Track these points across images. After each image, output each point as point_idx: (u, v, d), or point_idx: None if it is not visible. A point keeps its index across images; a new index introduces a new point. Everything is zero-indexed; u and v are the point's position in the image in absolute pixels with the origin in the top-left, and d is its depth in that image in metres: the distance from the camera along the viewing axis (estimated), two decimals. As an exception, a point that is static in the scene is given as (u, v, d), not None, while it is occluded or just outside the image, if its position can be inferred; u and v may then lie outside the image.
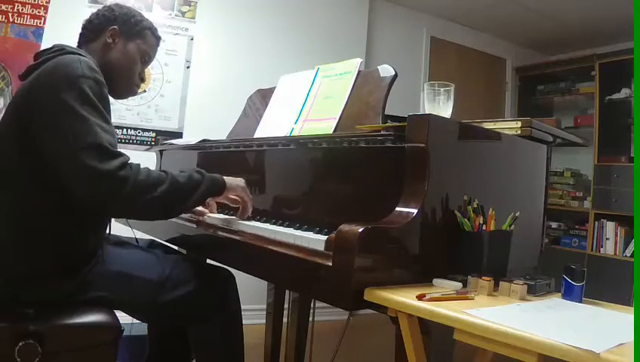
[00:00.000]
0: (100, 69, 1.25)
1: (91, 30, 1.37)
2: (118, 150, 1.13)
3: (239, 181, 1.39)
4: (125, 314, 1.33)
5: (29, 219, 1.17)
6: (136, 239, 1.51)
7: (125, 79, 1.39)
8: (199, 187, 1.26)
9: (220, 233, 1.36)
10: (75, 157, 1.09)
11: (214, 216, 1.49)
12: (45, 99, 1.13)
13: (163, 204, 1.20)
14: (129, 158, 1.14)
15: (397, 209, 1.02)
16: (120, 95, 1.43)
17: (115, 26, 1.36)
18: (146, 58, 1.43)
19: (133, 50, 1.38)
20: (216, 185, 1.32)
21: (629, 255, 3.50)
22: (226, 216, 1.47)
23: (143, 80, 1.45)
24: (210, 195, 1.32)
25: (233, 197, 1.39)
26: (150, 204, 1.16)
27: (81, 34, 1.39)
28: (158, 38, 1.46)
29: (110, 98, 1.43)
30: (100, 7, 1.45)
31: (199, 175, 1.28)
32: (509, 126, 1.28)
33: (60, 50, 1.24)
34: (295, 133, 1.54)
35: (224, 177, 1.35)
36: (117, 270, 1.29)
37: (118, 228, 1.42)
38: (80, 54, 1.22)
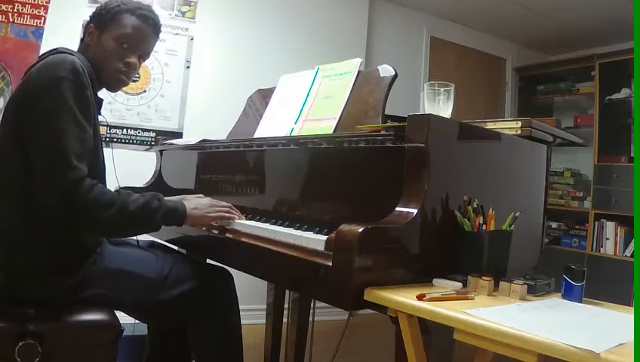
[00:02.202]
0: (88, 69, 1.26)
1: (83, 34, 1.39)
2: (77, 164, 1.12)
3: (203, 211, 1.34)
4: (125, 314, 1.33)
5: (27, 215, 1.18)
6: (137, 240, 1.51)
7: (106, 71, 1.34)
8: (153, 216, 1.23)
9: (220, 233, 1.36)
10: (38, 164, 1.13)
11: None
12: (29, 101, 1.15)
13: (108, 227, 1.20)
14: (85, 175, 1.13)
15: (397, 209, 1.02)
16: (110, 87, 1.41)
17: (92, 24, 1.36)
18: (127, 41, 1.34)
19: (107, 40, 1.33)
20: (175, 216, 1.29)
21: (629, 255, 3.50)
22: None
23: (130, 65, 1.36)
24: (167, 224, 1.29)
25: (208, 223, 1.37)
26: (94, 224, 1.18)
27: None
28: (141, 17, 1.36)
29: (115, 101, 1.42)
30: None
31: (157, 202, 1.24)
32: (509, 126, 1.28)
33: (53, 50, 1.25)
34: (295, 133, 1.54)
35: (187, 205, 1.32)
36: (116, 268, 1.29)
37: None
38: (71, 54, 1.23)
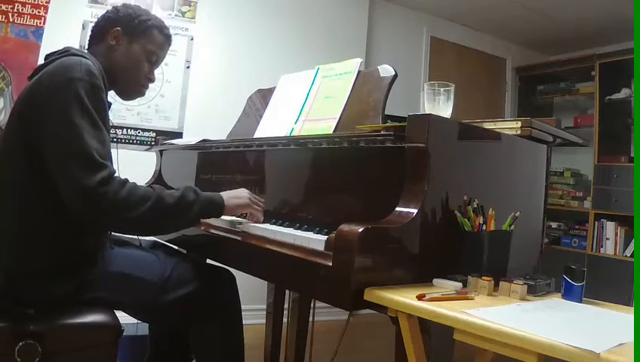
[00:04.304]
0: (104, 72, 1.26)
1: (97, 32, 1.38)
2: (104, 162, 1.10)
3: (241, 198, 1.32)
4: (125, 314, 1.33)
5: (30, 218, 1.17)
6: (139, 241, 1.51)
7: (130, 81, 1.38)
8: (191, 208, 1.20)
9: (220, 233, 1.36)
10: (62, 164, 1.10)
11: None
12: (43, 102, 1.14)
13: (144, 223, 1.16)
14: (114, 172, 1.11)
15: (397, 209, 1.02)
16: (126, 96, 1.43)
17: (118, 27, 1.35)
18: (153, 58, 1.40)
19: (137, 51, 1.36)
20: (213, 207, 1.26)
21: (629, 255, 3.50)
22: (237, 218, 1.46)
23: (151, 80, 1.42)
24: (205, 217, 1.27)
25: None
26: (130, 221, 1.14)
27: (89, 36, 1.40)
28: (167, 37, 1.43)
29: (118, 99, 1.43)
30: (101, 7, 1.45)
31: (194, 195, 1.22)
32: (509, 126, 1.28)
33: (65, 51, 1.24)
34: (295, 133, 1.54)
35: (224, 195, 1.29)
36: (118, 271, 1.29)
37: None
38: (83, 56, 1.21)
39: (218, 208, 1.27)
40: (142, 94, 1.45)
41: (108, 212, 1.10)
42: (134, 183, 1.15)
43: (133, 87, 1.40)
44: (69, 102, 1.11)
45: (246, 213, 1.41)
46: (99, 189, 1.07)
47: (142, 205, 1.12)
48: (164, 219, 1.20)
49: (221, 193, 1.30)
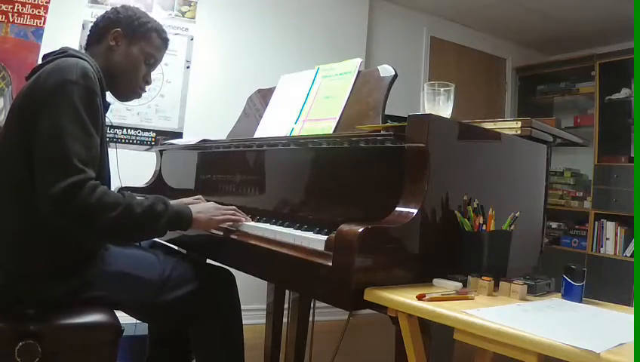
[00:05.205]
0: (102, 73, 1.26)
1: (96, 32, 1.38)
2: (82, 167, 1.08)
3: (206, 213, 1.31)
4: (125, 314, 1.33)
5: (29, 217, 1.17)
6: (138, 240, 1.51)
7: (128, 82, 1.39)
8: (159, 219, 1.19)
9: (220, 233, 1.36)
10: (39, 163, 1.10)
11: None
12: (39, 103, 1.14)
13: (110, 231, 1.16)
14: (89, 177, 1.09)
15: (397, 209, 1.02)
16: (123, 98, 1.44)
17: (118, 29, 1.36)
18: (151, 60, 1.42)
19: (136, 53, 1.38)
20: (181, 220, 1.25)
21: (629, 255, 3.50)
22: None
23: (148, 82, 1.44)
24: (172, 229, 1.26)
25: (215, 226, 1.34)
26: (95, 228, 1.13)
27: (87, 36, 1.41)
28: (164, 40, 1.45)
29: (115, 101, 1.44)
30: (101, 7, 1.45)
31: (163, 206, 1.21)
32: (509, 126, 1.28)
33: (63, 52, 1.24)
34: (295, 133, 1.54)
35: (193, 209, 1.28)
36: (117, 270, 1.29)
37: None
38: (80, 57, 1.21)
39: (186, 222, 1.27)
40: (139, 96, 1.45)
41: (73, 217, 1.09)
42: (105, 189, 1.12)
43: (131, 88, 1.41)
44: (61, 106, 1.11)
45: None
46: (66, 194, 1.05)
47: (109, 213, 1.10)
48: (130, 228, 1.18)
49: (190, 206, 1.30)
